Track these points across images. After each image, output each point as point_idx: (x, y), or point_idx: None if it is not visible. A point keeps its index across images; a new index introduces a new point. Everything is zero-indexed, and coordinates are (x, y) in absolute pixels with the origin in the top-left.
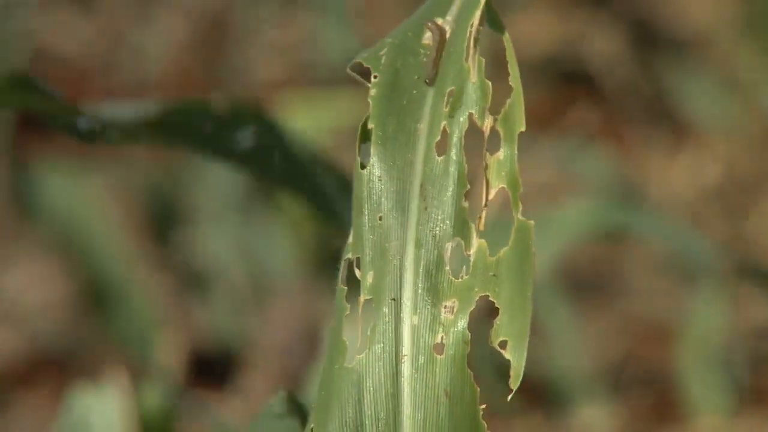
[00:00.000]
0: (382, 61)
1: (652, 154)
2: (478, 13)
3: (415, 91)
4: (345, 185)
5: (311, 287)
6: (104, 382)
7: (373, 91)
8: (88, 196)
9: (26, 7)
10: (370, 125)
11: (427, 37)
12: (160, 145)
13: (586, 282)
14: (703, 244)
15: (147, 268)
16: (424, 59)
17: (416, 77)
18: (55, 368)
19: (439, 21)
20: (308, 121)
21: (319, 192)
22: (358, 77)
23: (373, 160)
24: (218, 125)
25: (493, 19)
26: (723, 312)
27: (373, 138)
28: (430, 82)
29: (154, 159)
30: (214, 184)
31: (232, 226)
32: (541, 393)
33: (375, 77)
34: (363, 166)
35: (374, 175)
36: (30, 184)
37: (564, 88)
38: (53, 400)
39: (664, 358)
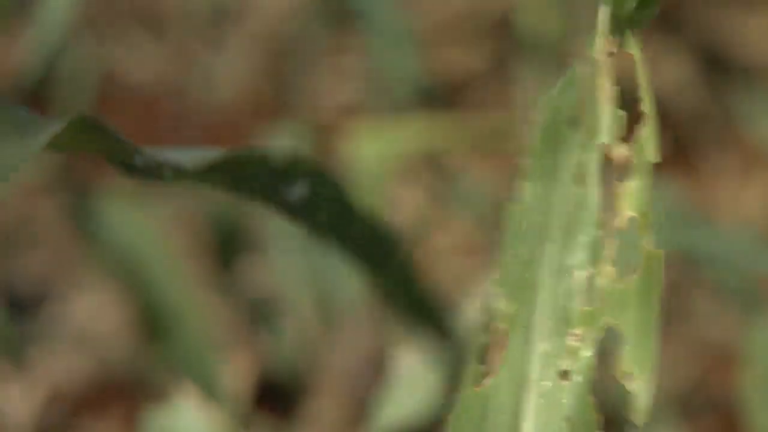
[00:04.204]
0: (550, 96)
1: (721, 181)
2: (600, 40)
3: (565, 126)
4: (391, 242)
5: (379, 313)
6: (178, 402)
7: (533, 128)
8: (152, 223)
9: (97, 33)
10: (526, 160)
11: (584, 69)
12: (214, 189)
13: None
14: None
15: (213, 294)
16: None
17: (572, 111)
18: (123, 394)
19: (591, 51)
20: (376, 147)
21: (365, 248)
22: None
23: (523, 194)
24: (273, 176)
25: (627, 42)
26: None
27: (524, 173)
28: (576, 117)
29: None
30: None
31: (299, 252)
32: (610, 419)
33: (539, 114)
34: (513, 201)
35: (523, 209)
36: (93, 210)
37: (633, 114)
38: (123, 426)
39: (734, 384)
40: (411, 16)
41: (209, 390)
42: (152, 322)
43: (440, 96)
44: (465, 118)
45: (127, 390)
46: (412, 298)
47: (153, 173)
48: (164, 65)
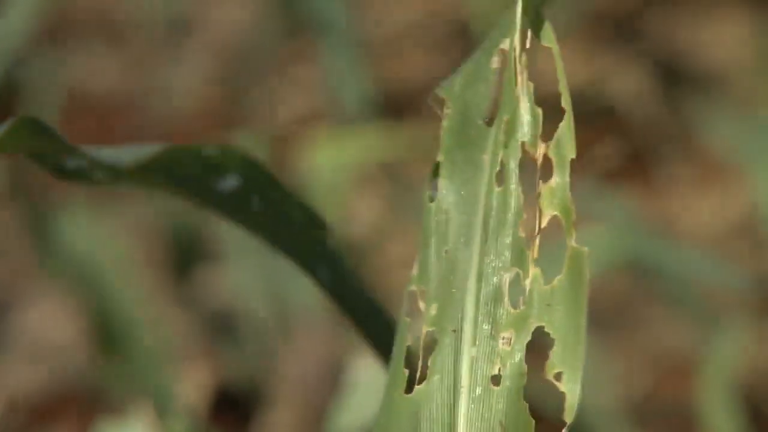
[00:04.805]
0: (456, 90)
1: (678, 190)
2: (516, 35)
3: (480, 122)
4: (323, 230)
5: (336, 322)
6: (129, 416)
7: (444, 123)
8: (109, 234)
9: (55, 45)
10: (440, 158)
11: (495, 62)
12: (145, 187)
13: (608, 317)
14: (727, 278)
15: (169, 305)
16: (493, 86)
17: (484, 106)
18: (79, 405)
19: (504, 44)
20: (333, 156)
21: (293, 236)
22: (437, 110)
23: (441, 194)
24: (205, 170)
25: (546, 37)
26: (747, 347)
27: (441, 171)
28: (491, 113)
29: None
30: None
31: (256, 262)
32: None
33: (448, 109)
34: (431, 199)
35: (441, 208)
36: (50, 221)
37: (589, 125)
38: None
39: (688, 393)
40: (367, 26)
41: (163, 401)
42: (108, 333)
43: (397, 105)
44: (422, 127)
45: (82, 400)
46: (351, 290)
47: (85, 176)
48: (122, 76)
